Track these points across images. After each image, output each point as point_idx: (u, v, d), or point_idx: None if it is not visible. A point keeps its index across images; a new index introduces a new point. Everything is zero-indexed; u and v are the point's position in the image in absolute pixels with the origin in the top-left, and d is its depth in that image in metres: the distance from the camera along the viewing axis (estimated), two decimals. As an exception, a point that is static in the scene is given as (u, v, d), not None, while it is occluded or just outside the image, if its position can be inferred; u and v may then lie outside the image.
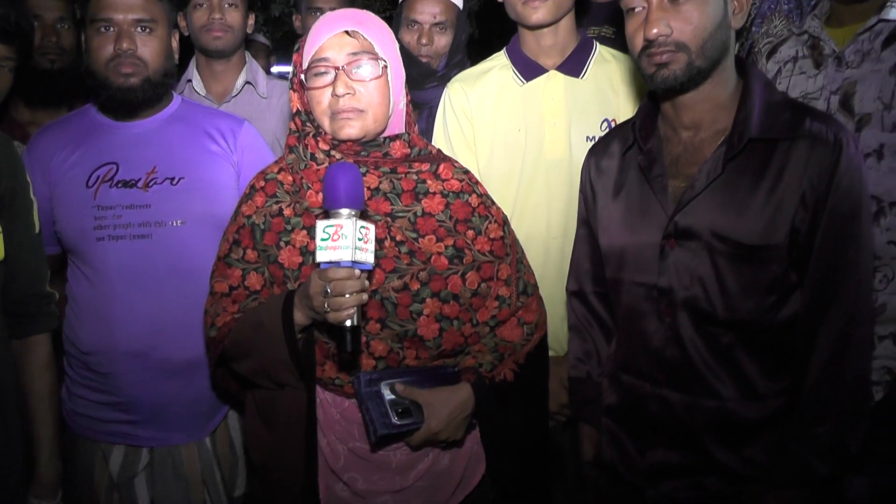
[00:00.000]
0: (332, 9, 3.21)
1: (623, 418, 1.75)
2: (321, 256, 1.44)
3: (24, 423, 1.88)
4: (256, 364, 1.69)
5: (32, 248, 1.91)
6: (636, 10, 1.57)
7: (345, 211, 1.45)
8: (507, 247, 1.81)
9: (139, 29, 2.00)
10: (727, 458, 1.59)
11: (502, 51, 2.34)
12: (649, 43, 1.55)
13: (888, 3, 1.73)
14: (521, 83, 2.24)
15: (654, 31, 1.52)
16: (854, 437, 1.52)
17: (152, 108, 2.11)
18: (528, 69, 2.24)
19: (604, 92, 2.22)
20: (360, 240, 1.44)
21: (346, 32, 1.65)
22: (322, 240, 1.44)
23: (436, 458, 1.75)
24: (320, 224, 1.45)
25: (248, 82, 2.80)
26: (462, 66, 2.81)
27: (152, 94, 2.06)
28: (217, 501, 2.20)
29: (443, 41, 2.81)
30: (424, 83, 2.78)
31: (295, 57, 1.75)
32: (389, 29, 1.77)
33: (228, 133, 2.17)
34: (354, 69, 1.64)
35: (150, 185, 2.04)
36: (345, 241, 1.43)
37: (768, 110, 1.54)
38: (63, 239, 2.08)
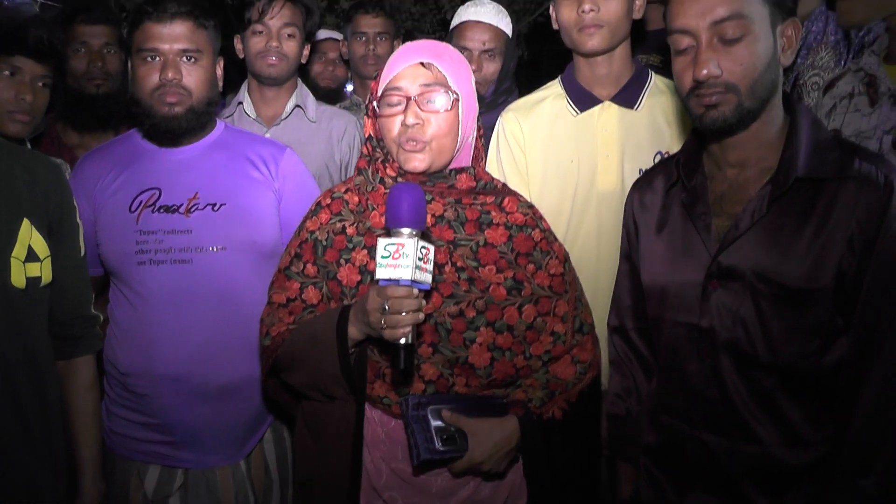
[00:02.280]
0: (377, 33, 3.41)
1: (662, 459, 1.78)
2: (381, 273, 1.53)
3: (68, 443, 1.98)
4: (308, 375, 1.79)
5: (78, 271, 2.02)
6: (685, 49, 1.62)
7: (406, 230, 1.53)
8: (567, 284, 1.88)
9: (184, 59, 2.12)
10: (766, 505, 1.62)
11: (557, 79, 2.42)
12: (698, 84, 1.58)
13: None
14: (576, 113, 2.31)
15: (704, 72, 1.56)
16: (900, 490, 1.53)
17: (195, 135, 2.23)
18: (583, 99, 2.31)
19: (657, 124, 2.28)
20: (420, 259, 1.52)
21: (422, 64, 1.75)
22: (383, 257, 1.52)
23: (477, 487, 1.82)
24: (382, 241, 1.53)
25: (297, 106, 2.93)
26: (510, 94, 2.92)
27: (196, 122, 2.19)
28: (250, 525, 2.30)
29: (491, 68, 2.92)
30: (473, 110, 2.87)
31: (371, 84, 1.87)
32: (467, 64, 1.87)
33: (270, 160, 2.27)
34: (426, 100, 1.74)
35: (192, 210, 2.15)
36: (405, 259, 1.51)
37: (816, 149, 1.58)
38: (106, 262, 2.20)
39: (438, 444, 1.70)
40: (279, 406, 2.11)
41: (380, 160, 1.84)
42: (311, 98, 2.99)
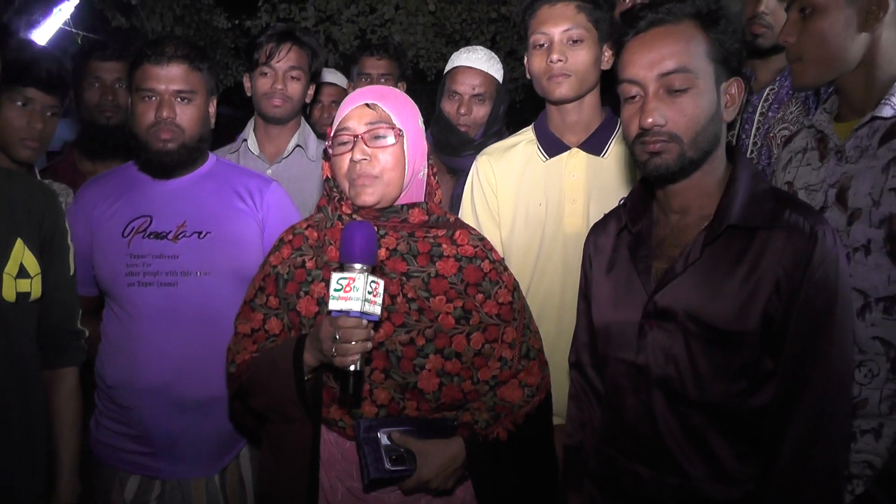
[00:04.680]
0: (381, 74, 3.51)
1: (603, 487, 1.83)
2: (333, 305, 1.63)
3: (50, 448, 2.07)
4: (269, 399, 1.88)
5: (67, 288, 2.12)
6: (633, 97, 1.68)
7: (358, 265, 1.64)
8: (516, 312, 1.95)
9: (179, 99, 2.25)
10: (695, 538, 1.65)
11: (530, 126, 2.49)
12: (644, 131, 1.64)
13: (882, 101, 1.81)
14: (545, 159, 2.38)
15: (650, 120, 1.62)
16: (822, 529, 1.55)
17: (187, 168, 2.34)
18: (552, 146, 2.38)
19: (624, 171, 2.33)
20: (369, 293, 1.63)
21: (367, 105, 1.85)
22: (335, 290, 1.63)
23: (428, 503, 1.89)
24: (335, 276, 1.63)
25: (298, 145, 3.02)
26: (500, 136, 3.00)
27: (187, 157, 2.31)
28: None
29: (481, 112, 3.02)
30: (462, 151, 3.00)
31: (328, 129, 1.96)
32: (413, 104, 1.96)
33: (256, 192, 2.38)
34: (372, 136, 1.83)
35: (180, 237, 2.26)
36: (356, 292, 1.61)
37: (752, 199, 1.63)
38: (100, 282, 2.32)
39: (388, 464, 1.78)
40: (248, 429, 2.20)
41: (336, 199, 1.92)
42: (312, 137, 3.07)
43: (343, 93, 4.19)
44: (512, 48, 7.57)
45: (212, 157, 2.44)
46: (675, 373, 1.66)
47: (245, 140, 3.05)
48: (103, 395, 2.32)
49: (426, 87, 7.45)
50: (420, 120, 1.96)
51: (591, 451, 1.91)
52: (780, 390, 1.60)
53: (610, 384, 1.83)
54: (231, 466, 2.38)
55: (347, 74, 3.88)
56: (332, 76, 3.88)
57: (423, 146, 1.95)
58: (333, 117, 3.74)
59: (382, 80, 3.55)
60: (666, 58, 1.62)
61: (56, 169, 3.01)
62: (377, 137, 1.84)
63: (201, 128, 2.32)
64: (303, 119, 3.12)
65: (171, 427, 2.25)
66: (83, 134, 3.07)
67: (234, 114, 6.48)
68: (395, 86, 3.58)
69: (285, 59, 2.91)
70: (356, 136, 1.84)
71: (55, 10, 6.36)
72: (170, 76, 2.23)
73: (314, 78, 3.08)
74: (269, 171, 2.95)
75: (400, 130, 1.86)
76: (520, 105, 6.46)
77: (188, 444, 2.27)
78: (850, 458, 1.74)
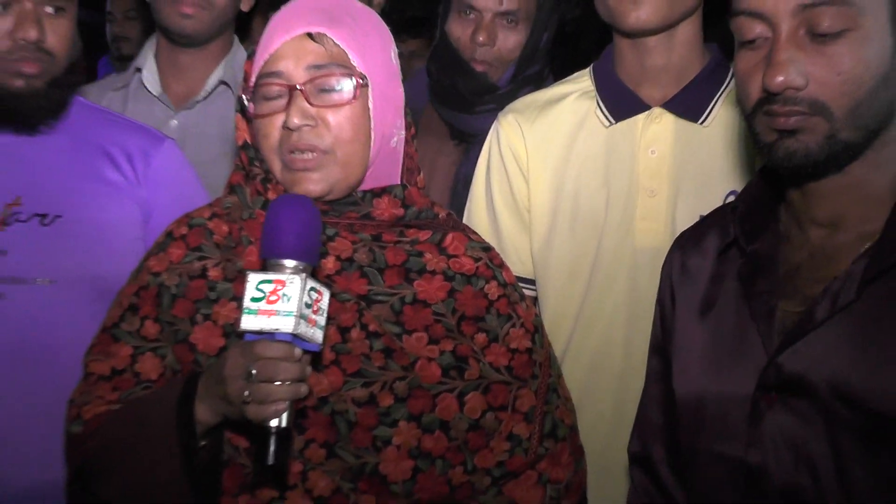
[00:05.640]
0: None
1: None
2: (248, 323, 1.62)
3: None
4: (131, 482, 1.85)
5: None
6: (754, 41, 1.69)
7: (290, 262, 1.63)
8: (537, 365, 1.98)
9: (48, 8, 2.23)
10: None
11: (587, 69, 2.52)
12: (771, 96, 1.65)
13: None
14: (609, 123, 2.42)
15: (780, 78, 1.61)
16: None
17: (54, 115, 2.34)
18: (621, 102, 2.42)
19: (735, 149, 2.35)
20: (308, 306, 1.62)
21: (309, 36, 1.86)
22: (253, 299, 1.61)
23: None
24: (253, 277, 1.62)
25: (223, 82, 3.05)
26: (538, 84, 3.02)
27: (59, 98, 2.32)
28: None
29: (511, 41, 3.04)
30: (477, 104, 3.01)
31: (245, 65, 1.97)
32: (383, 27, 1.98)
33: (139, 155, 2.41)
34: (317, 89, 1.84)
35: (9, 222, 2.25)
36: (286, 303, 1.60)
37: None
38: None
39: None
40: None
41: (259, 178, 1.93)
42: None
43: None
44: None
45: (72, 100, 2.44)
46: (810, 481, 1.66)
47: (139, 70, 3.09)
48: None
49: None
50: (394, 52, 2.00)
51: None
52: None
53: (699, 492, 1.85)
54: None
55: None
56: None
57: (399, 96, 1.99)
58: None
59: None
60: None
61: None
62: (326, 91, 1.86)
63: (74, 51, 2.33)
64: (236, 40, 3.18)
65: None
66: None
67: (91, 18, 6.47)
68: None
69: None
70: (292, 88, 1.85)
71: None
72: None
73: None
74: (175, 123, 3.00)
75: (362, 76, 1.88)
76: (572, 34, 6.48)
77: None
78: None
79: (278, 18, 1.92)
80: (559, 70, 3.13)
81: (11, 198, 2.28)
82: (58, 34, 2.26)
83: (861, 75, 1.62)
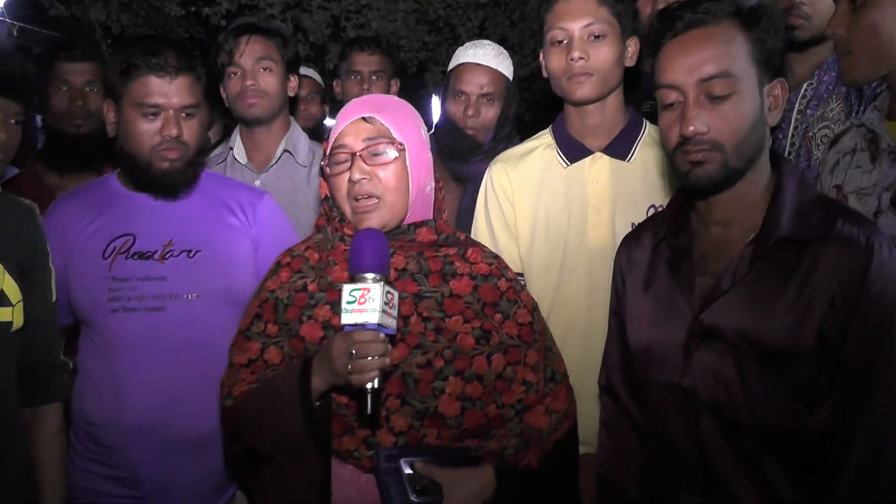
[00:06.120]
0: (373, 71, 3.62)
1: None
2: (347, 319, 1.70)
3: (32, 492, 2.13)
4: (271, 434, 1.92)
5: (49, 317, 2.19)
6: (672, 104, 1.78)
7: (371, 275, 1.72)
8: (536, 333, 2.04)
9: (184, 114, 2.32)
10: (751, 572, 1.75)
11: (548, 129, 2.59)
12: (685, 140, 1.74)
13: None
14: (566, 165, 2.48)
15: (692, 128, 1.71)
16: (887, 559, 1.66)
17: (191, 186, 2.41)
18: (573, 150, 2.48)
19: (651, 176, 2.43)
20: (385, 304, 1.70)
21: (364, 119, 1.94)
22: (348, 303, 1.70)
23: None
24: (347, 287, 1.71)
25: (286, 150, 3.09)
26: (510, 140, 3.10)
27: (193, 174, 2.40)
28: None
29: (490, 113, 3.12)
30: (470, 157, 3.09)
31: (324, 144, 2.04)
32: (414, 113, 2.05)
33: (248, 206, 2.48)
34: (371, 154, 1.92)
35: (167, 257, 2.34)
36: (371, 303, 1.68)
37: (800, 209, 1.74)
38: (77, 310, 2.37)
39: (413, 496, 1.83)
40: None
41: (337, 219, 2.01)
42: (302, 140, 3.14)
43: (317, 86, 4.30)
44: (503, 35, 7.69)
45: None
46: (726, 395, 1.76)
47: (231, 148, 3.13)
48: (82, 434, 2.38)
49: (407, 81, 7.54)
50: (423, 129, 2.05)
51: (629, 482, 2.00)
52: (838, 411, 1.70)
53: (652, 410, 1.93)
54: (228, 506, 2.46)
55: (320, 68, 3.98)
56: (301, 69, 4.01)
57: (428, 158, 2.04)
58: (311, 111, 3.84)
59: (374, 77, 3.66)
60: (706, 62, 1.72)
61: (18, 184, 3.03)
62: (376, 154, 1.92)
63: (202, 140, 2.41)
64: (292, 120, 3.20)
65: (162, 468, 2.31)
66: (49, 144, 3.13)
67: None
68: (389, 83, 3.69)
69: (248, 52, 2.99)
70: (353, 154, 1.93)
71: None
72: (178, 91, 2.30)
73: (292, 68, 3.16)
74: (258, 182, 3.03)
75: (401, 144, 1.94)
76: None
77: (180, 487, 2.34)
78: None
79: (344, 111, 2.00)
80: (521, 130, 3.23)
81: (167, 240, 2.36)
82: (190, 131, 2.34)
83: (742, 123, 1.72)
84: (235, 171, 3.09)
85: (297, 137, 3.15)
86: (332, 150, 1.97)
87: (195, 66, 2.36)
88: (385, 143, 1.93)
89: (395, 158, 1.93)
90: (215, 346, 2.27)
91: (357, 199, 1.92)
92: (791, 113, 2.70)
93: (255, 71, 2.99)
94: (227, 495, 2.45)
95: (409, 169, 1.96)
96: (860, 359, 1.68)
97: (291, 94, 3.17)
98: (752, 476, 1.76)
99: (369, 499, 1.92)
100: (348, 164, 1.93)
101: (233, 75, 3.01)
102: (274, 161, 3.08)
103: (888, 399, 1.67)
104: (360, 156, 1.92)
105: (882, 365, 1.68)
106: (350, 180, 1.92)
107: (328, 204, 2.05)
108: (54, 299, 2.20)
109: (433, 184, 2.06)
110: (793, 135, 2.67)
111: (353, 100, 2.06)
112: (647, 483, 1.94)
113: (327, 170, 1.99)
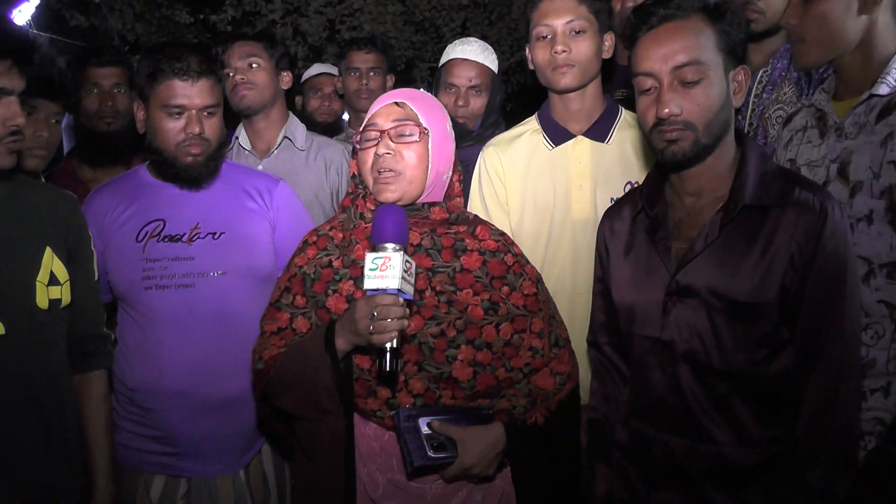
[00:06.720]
0: (369, 68, 3.68)
1: (632, 458, 2.00)
2: (369, 284, 1.72)
3: (83, 451, 2.18)
4: (299, 392, 1.93)
5: (93, 293, 2.24)
6: (649, 90, 1.83)
7: (391, 245, 1.74)
8: (541, 302, 2.06)
9: (206, 113, 2.36)
10: (724, 501, 1.83)
11: (534, 115, 2.64)
12: (660, 121, 1.79)
13: (879, 79, 1.98)
14: (551, 147, 2.53)
15: (666, 110, 1.77)
16: (841, 483, 1.74)
17: (213, 177, 2.45)
18: (557, 134, 2.53)
19: (627, 156, 2.50)
20: (405, 271, 1.72)
21: (396, 103, 1.98)
22: (371, 269, 1.72)
23: (469, 493, 1.99)
24: (370, 256, 1.73)
25: (286, 137, 3.15)
26: (497, 127, 3.16)
27: (214, 167, 2.43)
28: (249, 532, 2.49)
29: (478, 103, 3.17)
30: (461, 143, 3.06)
31: (357, 128, 2.07)
32: (442, 109, 2.08)
33: (265, 191, 2.51)
34: (397, 133, 1.95)
35: (194, 239, 2.38)
36: (392, 270, 1.70)
37: (762, 179, 1.80)
38: (115, 288, 2.41)
39: (430, 451, 1.87)
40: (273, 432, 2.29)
41: (360, 196, 2.04)
42: (300, 130, 3.20)
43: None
44: (483, 34, 7.71)
45: None
46: (700, 346, 1.83)
47: (237, 137, 3.19)
48: (123, 399, 2.42)
49: (396, 77, 7.51)
50: (448, 124, 2.07)
51: (618, 424, 2.07)
52: (797, 356, 1.78)
53: (635, 361, 1.99)
54: (254, 462, 2.51)
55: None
56: (324, 68, 4.04)
57: (450, 150, 2.06)
58: (333, 108, 3.90)
59: (371, 73, 3.70)
60: (678, 52, 1.78)
61: (55, 178, 3.09)
62: (402, 135, 1.94)
63: (222, 136, 2.44)
64: (290, 113, 3.25)
65: (196, 428, 2.36)
66: (83, 141, 3.18)
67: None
68: (385, 79, 3.72)
69: (237, 54, 3.07)
70: (382, 132, 1.95)
71: (15, 12, 6.38)
72: (199, 92, 2.33)
73: (283, 65, 3.21)
74: (260, 166, 3.08)
75: (425, 129, 1.96)
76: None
77: (213, 443, 2.39)
78: (862, 416, 1.91)
79: (380, 98, 2.03)
80: (507, 118, 3.27)
81: (194, 224, 2.39)
82: (211, 127, 2.36)
83: (711, 105, 1.78)
84: (241, 157, 3.14)
85: (296, 126, 3.21)
86: (364, 128, 1.99)
87: (215, 69, 2.39)
88: (412, 125, 1.95)
89: (419, 141, 1.95)
90: (240, 317, 2.33)
91: (380, 172, 1.94)
92: (748, 97, 2.75)
93: (244, 67, 3.07)
94: (253, 451, 2.50)
95: (430, 153, 1.98)
96: (816, 309, 1.75)
97: (285, 87, 3.22)
98: (724, 416, 1.83)
99: (392, 454, 1.97)
100: (376, 141, 1.95)
101: (228, 76, 3.07)
102: (275, 147, 3.14)
103: (840, 344, 1.75)
104: (387, 133, 1.94)
105: (835, 314, 1.75)
106: (376, 153, 1.94)
107: (355, 181, 2.07)
108: (96, 278, 2.25)
109: (451, 174, 2.08)
110: (751, 116, 2.72)
111: (391, 91, 2.10)
112: (632, 424, 2.00)
113: (357, 146, 2.02)
